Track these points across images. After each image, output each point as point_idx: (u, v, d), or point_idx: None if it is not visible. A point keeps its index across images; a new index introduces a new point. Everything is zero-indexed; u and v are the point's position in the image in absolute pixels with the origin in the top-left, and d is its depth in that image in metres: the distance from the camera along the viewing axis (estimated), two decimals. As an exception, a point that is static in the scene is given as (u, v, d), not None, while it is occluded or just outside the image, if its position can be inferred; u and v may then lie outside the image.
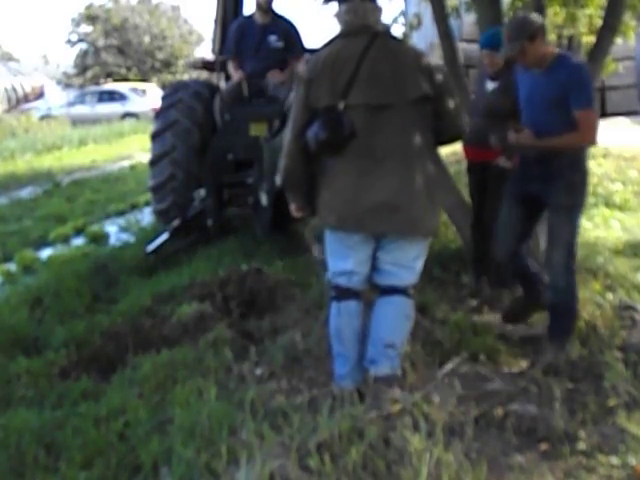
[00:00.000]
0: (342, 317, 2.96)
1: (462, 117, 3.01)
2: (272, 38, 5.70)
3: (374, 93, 2.80)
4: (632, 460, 2.45)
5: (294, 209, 3.10)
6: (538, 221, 3.68)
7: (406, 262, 2.96)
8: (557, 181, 3.31)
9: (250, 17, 5.81)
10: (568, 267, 3.38)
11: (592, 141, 3.32)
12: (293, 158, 2.92)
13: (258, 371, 3.27)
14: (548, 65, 3.27)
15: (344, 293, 2.96)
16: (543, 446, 2.60)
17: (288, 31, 5.77)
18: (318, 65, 2.86)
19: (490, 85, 4.11)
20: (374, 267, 3.01)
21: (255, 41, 5.69)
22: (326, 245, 3.03)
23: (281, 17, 5.83)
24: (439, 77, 2.88)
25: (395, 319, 2.98)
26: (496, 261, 4.31)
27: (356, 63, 2.79)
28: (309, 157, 2.87)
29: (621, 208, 6.62)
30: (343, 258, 2.94)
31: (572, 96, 3.21)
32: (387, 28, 2.99)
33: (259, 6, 5.68)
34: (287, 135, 2.94)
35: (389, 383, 2.88)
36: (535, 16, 3.38)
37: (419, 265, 3.02)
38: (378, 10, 2.93)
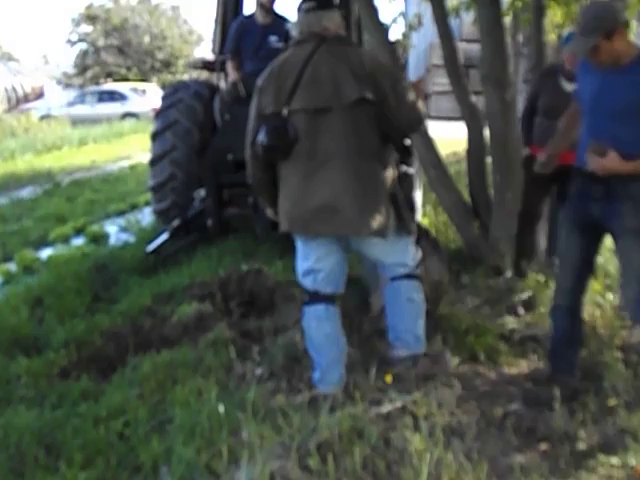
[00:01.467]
0: (310, 321, 3.01)
1: (413, 110, 2.97)
2: (273, 38, 5.68)
3: (312, 97, 2.86)
4: (632, 460, 2.46)
5: (270, 214, 3.20)
6: (599, 252, 3.04)
7: (390, 259, 3.05)
8: (622, 201, 2.72)
9: (251, 17, 5.79)
10: None
11: None
12: (251, 165, 3.06)
13: (258, 371, 3.27)
14: (628, 62, 2.69)
15: (312, 297, 3.00)
16: (543, 446, 2.61)
17: (289, 31, 5.76)
18: (268, 74, 2.96)
19: (569, 86, 3.99)
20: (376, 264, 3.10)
21: (256, 41, 5.68)
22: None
23: (282, 17, 5.82)
24: (385, 80, 2.89)
25: (399, 305, 3.08)
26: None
27: (300, 69, 2.86)
28: (267, 164, 2.98)
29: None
30: (306, 257, 3.00)
31: None
32: (341, 32, 3.01)
33: (261, 6, 5.66)
34: (245, 143, 3.06)
35: (408, 364, 3.01)
36: (617, 5, 2.90)
37: (408, 257, 3.08)
38: (329, 17, 2.96)
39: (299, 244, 3.03)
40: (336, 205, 2.83)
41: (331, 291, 3.00)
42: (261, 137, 2.88)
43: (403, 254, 3.07)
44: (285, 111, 2.86)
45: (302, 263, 3.03)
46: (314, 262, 2.97)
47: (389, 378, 2.92)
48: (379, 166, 2.93)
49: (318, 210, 2.84)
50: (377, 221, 2.87)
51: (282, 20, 5.80)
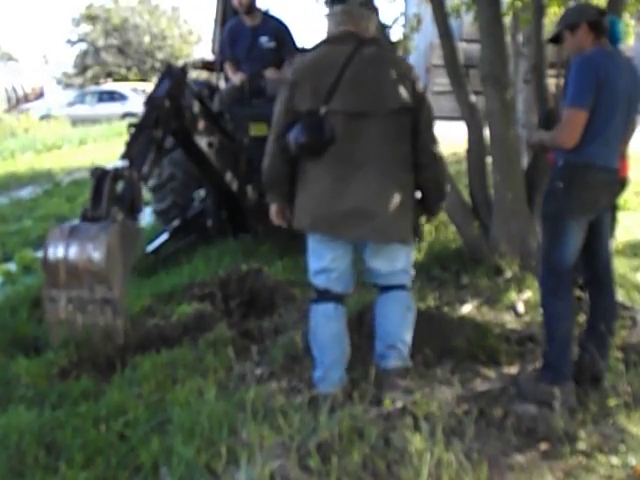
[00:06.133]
0: (318, 320, 2.99)
1: (437, 146, 2.97)
2: (263, 39, 5.67)
3: (355, 100, 2.83)
4: (632, 460, 2.46)
5: (274, 213, 3.10)
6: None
7: (395, 267, 3.02)
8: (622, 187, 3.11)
9: (240, 20, 5.77)
10: None
11: None
12: (274, 158, 2.95)
13: (258, 371, 3.27)
14: None
15: (322, 295, 2.98)
16: (543, 446, 2.61)
17: (278, 30, 5.73)
18: (303, 68, 2.91)
19: None
20: (368, 272, 3.07)
21: (247, 43, 5.67)
22: (308, 247, 3.05)
23: (271, 17, 5.79)
24: (421, 89, 2.90)
25: (397, 313, 3.05)
26: None
27: (340, 69, 2.82)
28: (290, 159, 2.92)
29: (621, 208, 6.61)
30: (320, 256, 2.97)
31: None
32: (378, 35, 3.00)
33: (240, 8, 5.62)
34: (269, 135, 2.97)
35: (401, 375, 2.97)
36: (590, 6, 3.19)
37: (408, 265, 3.08)
38: (369, 17, 2.95)
39: (313, 243, 2.99)
40: (368, 210, 2.81)
41: (341, 290, 3.00)
42: (296, 134, 2.81)
43: (407, 261, 3.06)
44: (323, 110, 2.80)
45: (315, 262, 3.00)
46: (329, 262, 2.94)
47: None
48: (408, 174, 2.92)
49: (349, 214, 2.81)
50: (405, 228, 2.91)
51: (272, 20, 5.76)
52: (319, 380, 3.00)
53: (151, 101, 3.98)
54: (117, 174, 3.44)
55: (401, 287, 3.05)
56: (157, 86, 4.13)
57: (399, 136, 2.88)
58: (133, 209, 3.49)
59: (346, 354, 3.04)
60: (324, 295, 2.98)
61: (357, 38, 2.88)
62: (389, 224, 2.84)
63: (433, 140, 2.95)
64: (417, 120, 2.90)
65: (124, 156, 3.68)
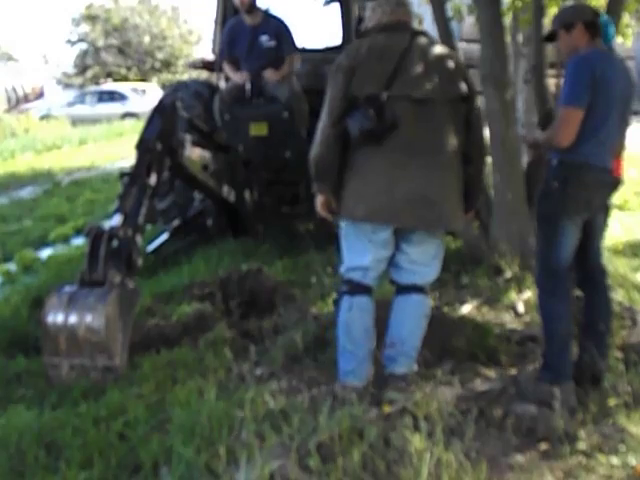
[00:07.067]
0: (354, 312, 2.96)
1: (484, 141, 3.06)
2: (264, 38, 5.66)
3: (415, 86, 2.84)
4: (632, 460, 2.46)
5: (320, 204, 3.00)
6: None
7: (426, 260, 3.01)
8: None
9: (240, 19, 5.76)
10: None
11: None
12: (330, 146, 2.86)
13: (258, 371, 3.27)
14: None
15: (357, 288, 2.96)
16: (543, 446, 2.61)
17: (279, 29, 5.72)
18: (360, 54, 2.87)
19: None
20: (393, 265, 3.04)
21: (247, 42, 5.66)
22: (342, 238, 3.01)
23: (272, 16, 5.79)
24: (471, 82, 2.97)
25: (415, 319, 3.04)
26: None
27: (400, 56, 2.83)
28: (341, 147, 2.87)
29: (621, 208, 6.62)
30: (361, 253, 2.93)
31: None
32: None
33: (242, 7, 5.62)
34: (323, 122, 2.89)
35: (407, 381, 2.97)
36: (587, 6, 3.21)
37: (438, 263, 3.07)
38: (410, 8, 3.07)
39: (356, 237, 2.93)
40: (431, 198, 2.81)
41: (374, 284, 3.01)
42: (360, 120, 2.76)
43: (437, 257, 3.05)
44: (384, 95, 2.78)
45: (354, 259, 2.95)
46: (370, 262, 2.92)
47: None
48: (460, 165, 2.95)
49: (411, 201, 2.80)
50: (461, 218, 3.00)
51: (273, 19, 5.76)
52: (348, 373, 2.97)
53: (143, 144, 4.00)
54: (112, 234, 3.49)
55: (421, 291, 3.03)
56: (148, 124, 4.13)
57: (455, 126, 2.90)
58: (130, 266, 3.55)
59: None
60: (359, 288, 2.95)
61: (410, 28, 2.95)
62: (448, 213, 2.88)
63: (483, 135, 3.02)
64: (470, 111, 2.94)
65: (117, 210, 3.71)
